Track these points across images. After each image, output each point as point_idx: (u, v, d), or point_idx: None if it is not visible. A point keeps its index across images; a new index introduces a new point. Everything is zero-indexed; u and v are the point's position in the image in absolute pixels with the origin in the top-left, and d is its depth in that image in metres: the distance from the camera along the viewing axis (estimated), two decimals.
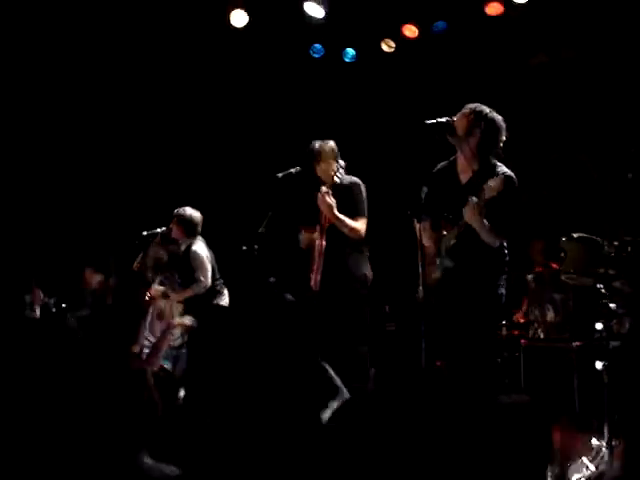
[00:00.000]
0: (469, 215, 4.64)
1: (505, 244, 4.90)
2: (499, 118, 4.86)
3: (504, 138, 4.87)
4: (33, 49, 8.45)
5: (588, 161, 7.81)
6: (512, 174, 4.78)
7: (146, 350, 7.47)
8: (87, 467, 2.28)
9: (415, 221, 4.86)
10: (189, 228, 7.18)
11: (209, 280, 7.10)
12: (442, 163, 5.07)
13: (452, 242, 4.83)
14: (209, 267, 7.13)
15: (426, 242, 4.94)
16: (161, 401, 2.70)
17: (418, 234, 4.82)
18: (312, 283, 5.85)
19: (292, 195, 6.23)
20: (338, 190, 5.91)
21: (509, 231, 4.81)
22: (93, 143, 9.17)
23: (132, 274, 7.21)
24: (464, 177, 4.91)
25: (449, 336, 4.88)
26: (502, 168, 4.81)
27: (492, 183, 4.57)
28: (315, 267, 5.87)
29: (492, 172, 4.75)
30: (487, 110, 4.85)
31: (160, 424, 2.45)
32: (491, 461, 1.95)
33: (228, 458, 2.30)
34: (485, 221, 4.64)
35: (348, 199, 5.89)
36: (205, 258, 7.13)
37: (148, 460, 2.27)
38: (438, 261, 4.95)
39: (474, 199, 4.59)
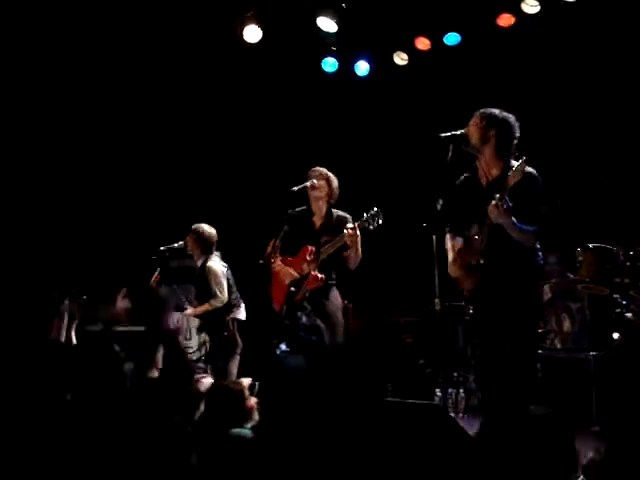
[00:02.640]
0: (493, 212, 4.58)
1: (539, 247, 4.86)
2: (510, 117, 4.87)
3: (518, 135, 4.86)
4: (44, 55, 8.52)
5: (602, 172, 7.80)
6: (534, 171, 4.78)
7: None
8: None
9: (448, 234, 4.92)
10: (205, 245, 7.25)
11: (226, 294, 7.14)
12: (463, 175, 5.07)
13: (483, 244, 4.80)
14: (225, 282, 7.17)
15: (451, 256, 4.97)
16: None
17: (435, 246, 4.85)
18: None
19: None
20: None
21: (540, 227, 4.74)
22: (105, 160, 9.21)
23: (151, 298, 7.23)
24: (485, 182, 4.92)
25: (487, 345, 4.86)
26: (526, 167, 4.81)
27: (511, 173, 4.58)
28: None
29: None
30: (497, 112, 4.87)
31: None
32: (519, 470, 1.98)
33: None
34: (513, 218, 4.58)
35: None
36: (220, 273, 7.17)
37: None
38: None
39: (497, 195, 4.58)
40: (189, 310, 7.23)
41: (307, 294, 5.98)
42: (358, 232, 5.74)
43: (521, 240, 4.70)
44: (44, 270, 8.53)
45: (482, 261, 4.82)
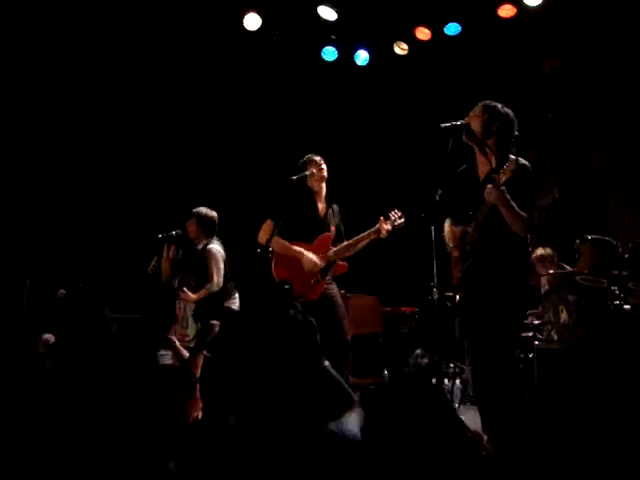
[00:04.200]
0: (490, 193, 4.57)
1: (527, 243, 4.86)
2: (510, 112, 4.85)
3: (517, 130, 4.84)
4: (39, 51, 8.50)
5: (601, 163, 7.81)
6: (527, 162, 4.78)
7: (162, 352, 7.51)
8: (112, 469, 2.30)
9: (448, 220, 4.93)
10: (208, 227, 7.21)
11: (221, 279, 7.11)
12: (463, 166, 5.06)
13: (474, 236, 4.81)
14: (222, 266, 7.15)
15: (450, 242, 4.97)
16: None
17: (433, 237, 4.86)
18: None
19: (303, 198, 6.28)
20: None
21: (532, 217, 4.71)
22: (103, 150, 9.17)
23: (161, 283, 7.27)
24: (483, 175, 4.87)
25: (472, 334, 4.87)
26: (520, 160, 4.81)
27: (502, 171, 4.58)
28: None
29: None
30: (499, 106, 4.83)
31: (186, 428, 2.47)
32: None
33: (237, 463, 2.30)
34: (508, 195, 4.56)
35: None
36: (220, 257, 7.16)
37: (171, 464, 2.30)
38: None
39: (494, 175, 4.59)
40: (188, 294, 7.19)
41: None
42: (390, 230, 5.85)
43: (514, 225, 4.65)
44: (42, 259, 8.51)
45: (468, 249, 4.84)
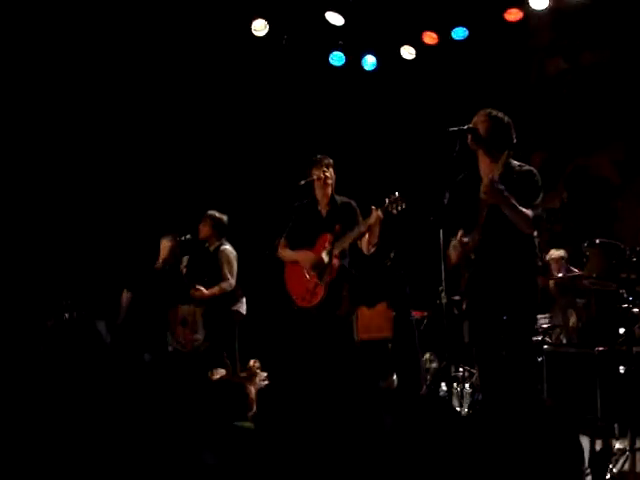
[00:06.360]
0: (486, 191, 4.57)
1: (535, 245, 4.84)
2: (507, 118, 4.87)
3: (515, 137, 4.86)
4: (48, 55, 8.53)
5: (609, 167, 7.82)
6: (531, 167, 4.81)
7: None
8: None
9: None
10: (221, 229, 7.36)
11: (234, 279, 7.22)
12: (464, 173, 5.05)
13: (476, 240, 4.79)
14: (236, 267, 7.26)
15: (452, 251, 4.95)
16: None
17: (441, 240, 4.85)
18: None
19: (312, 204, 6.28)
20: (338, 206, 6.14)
21: (536, 214, 4.68)
22: (110, 155, 9.19)
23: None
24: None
25: (483, 339, 4.85)
26: (525, 166, 4.83)
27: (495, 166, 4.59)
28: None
29: (516, 171, 4.78)
30: (500, 113, 4.87)
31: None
32: (527, 463, 1.99)
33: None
34: (506, 193, 4.57)
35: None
36: (233, 257, 7.27)
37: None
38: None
39: (489, 176, 4.59)
40: (202, 290, 7.22)
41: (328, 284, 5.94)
42: (382, 216, 5.68)
43: (519, 223, 4.65)
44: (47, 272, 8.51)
45: (473, 256, 4.81)
